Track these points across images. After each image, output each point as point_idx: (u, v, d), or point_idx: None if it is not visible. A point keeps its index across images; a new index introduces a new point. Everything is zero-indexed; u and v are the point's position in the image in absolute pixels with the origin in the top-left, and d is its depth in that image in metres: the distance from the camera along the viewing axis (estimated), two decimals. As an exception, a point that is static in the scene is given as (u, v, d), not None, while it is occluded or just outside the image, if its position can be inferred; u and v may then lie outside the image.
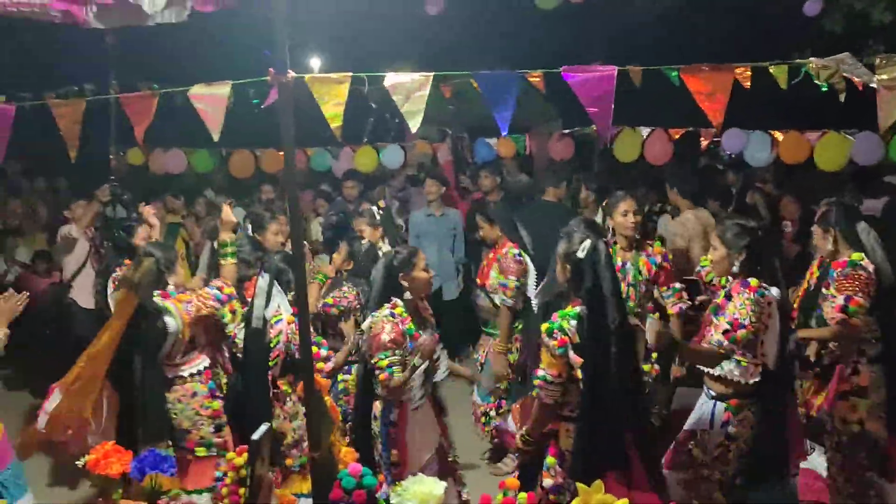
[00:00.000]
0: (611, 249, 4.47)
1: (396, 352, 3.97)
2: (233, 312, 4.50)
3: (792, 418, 3.99)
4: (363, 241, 4.95)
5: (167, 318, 4.32)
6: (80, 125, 4.08)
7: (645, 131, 7.80)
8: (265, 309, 4.30)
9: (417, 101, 3.55)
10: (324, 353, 4.55)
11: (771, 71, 4.60)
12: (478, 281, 5.64)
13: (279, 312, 4.33)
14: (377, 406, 4.12)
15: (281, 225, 5.77)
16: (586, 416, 3.36)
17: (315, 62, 13.95)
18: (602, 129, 3.72)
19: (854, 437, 4.25)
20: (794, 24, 7.95)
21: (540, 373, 3.44)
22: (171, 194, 8.75)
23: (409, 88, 3.54)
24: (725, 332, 3.70)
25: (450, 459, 4.30)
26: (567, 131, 8.32)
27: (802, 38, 8.11)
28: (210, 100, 3.79)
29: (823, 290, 4.31)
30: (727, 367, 3.77)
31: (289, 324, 4.32)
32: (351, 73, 3.52)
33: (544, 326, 3.43)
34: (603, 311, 3.31)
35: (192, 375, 4.49)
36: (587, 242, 3.41)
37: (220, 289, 4.43)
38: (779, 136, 7.39)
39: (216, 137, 3.74)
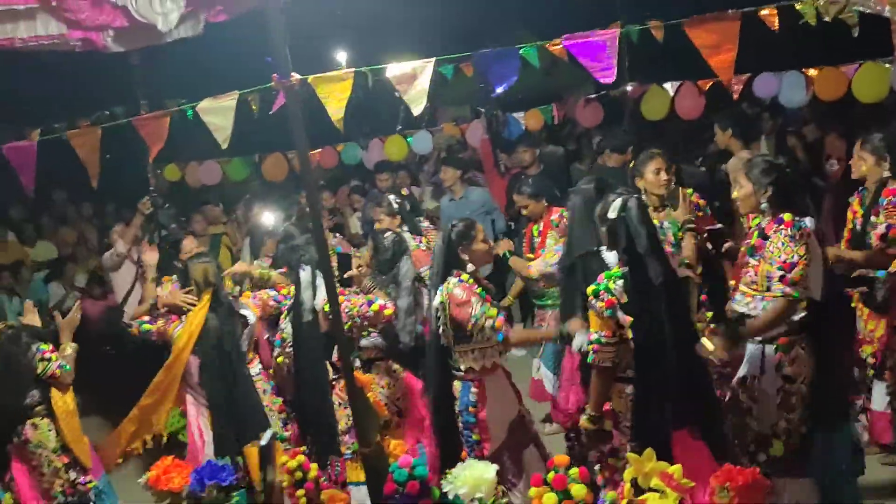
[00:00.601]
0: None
1: (486, 305, 3.92)
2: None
3: (849, 356, 3.90)
4: (387, 235, 4.91)
5: (244, 311, 4.57)
6: (98, 152, 4.18)
7: (673, 88, 7.62)
8: (314, 300, 4.36)
9: (420, 87, 3.54)
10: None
11: (798, 8, 4.47)
12: (530, 256, 5.51)
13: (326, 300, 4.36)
14: (456, 386, 4.05)
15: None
16: (642, 376, 3.38)
17: (341, 55, 13.94)
18: (603, 78, 3.63)
19: None
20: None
21: (593, 336, 3.42)
22: (210, 203, 8.91)
23: (411, 76, 3.53)
24: (782, 279, 3.58)
25: (528, 421, 4.25)
26: (593, 96, 8.17)
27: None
28: (218, 112, 3.83)
29: (872, 218, 4.25)
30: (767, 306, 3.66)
31: (342, 301, 4.34)
32: (353, 69, 3.53)
33: (590, 289, 3.43)
34: (643, 268, 3.32)
35: (256, 374, 4.80)
36: (618, 201, 3.41)
37: (277, 289, 4.80)
38: (813, 73, 7.13)
39: (224, 146, 3.80)
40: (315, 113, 4.06)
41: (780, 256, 3.58)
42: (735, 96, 7.55)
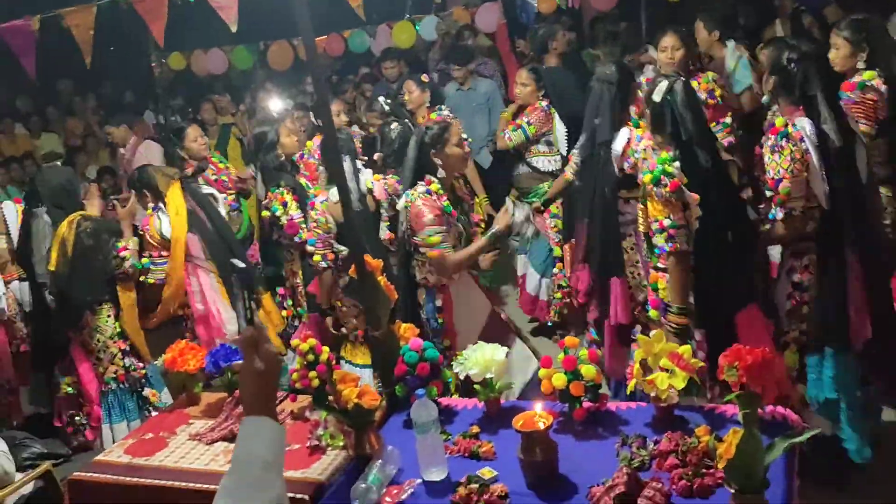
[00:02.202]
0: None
1: (442, 227, 3.83)
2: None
3: (852, 281, 3.46)
4: (392, 126, 4.81)
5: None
6: (93, 32, 4.05)
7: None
8: (359, 187, 4.38)
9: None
10: None
11: None
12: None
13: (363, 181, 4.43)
14: (420, 294, 3.99)
15: (338, 105, 5.89)
16: (702, 259, 3.39)
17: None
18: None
19: None
20: None
21: (666, 222, 3.38)
22: (218, 94, 8.79)
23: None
24: (771, 198, 3.46)
25: (504, 319, 4.20)
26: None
27: None
28: (221, -9, 3.69)
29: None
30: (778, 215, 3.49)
31: (377, 181, 4.42)
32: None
33: (647, 177, 3.38)
34: (692, 151, 3.29)
35: None
36: (663, 83, 3.34)
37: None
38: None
39: (234, 28, 3.67)
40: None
41: (768, 171, 3.44)
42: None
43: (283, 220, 4.98)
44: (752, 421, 2.24)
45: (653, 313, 3.66)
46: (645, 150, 3.61)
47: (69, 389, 4.87)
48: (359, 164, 4.47)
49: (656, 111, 3.37)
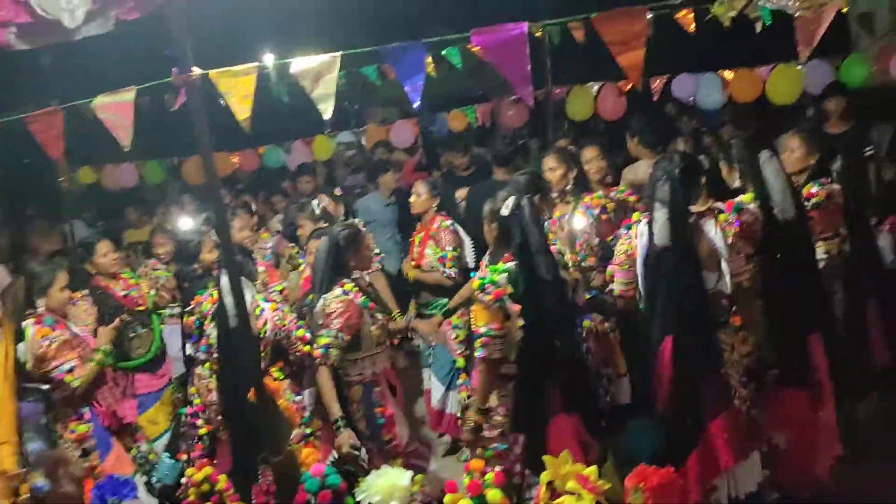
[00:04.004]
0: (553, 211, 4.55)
1: (340, 334, 3.87)
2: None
3: None
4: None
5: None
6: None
7: (596, 87, 7.65)
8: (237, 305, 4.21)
9: (327, 84, 3.41)
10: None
11: (713, 10, 4.51)
12: (412, 263, 5.46)
13: (256, 304, 4.31)
14: (356, 392, 3.97)
15: (244, 221, 5.79)
16: (527, 367, 3.48)
17: (268, 57, 13.68)
18: (521, 92, 3.59)
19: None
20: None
21: (482, 329, 3.47)
22: (131, 207, 8.63)
23: (318, 72, 3.40)
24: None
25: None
26: (516, 97, 8.13)
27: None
28: (116, 108, 3.64)
29: None
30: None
31: (273, 311, 4.31)
32: (256, 64, 3.38)
33: (475, 283, 3.53)
34: (534, 265, 3.44)
35: None
36: (511, 200, 3.49)
37: None
38: (729, 75, 7.26)
39: (126, 146, 3.61)
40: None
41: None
42: (655, 97, 7.66)
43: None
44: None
45: None
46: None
47: None
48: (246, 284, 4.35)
49: (504, 225, 3.54)
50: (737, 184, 4.16)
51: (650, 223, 3.55)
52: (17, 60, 6.53)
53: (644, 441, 3.45)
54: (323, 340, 3.86)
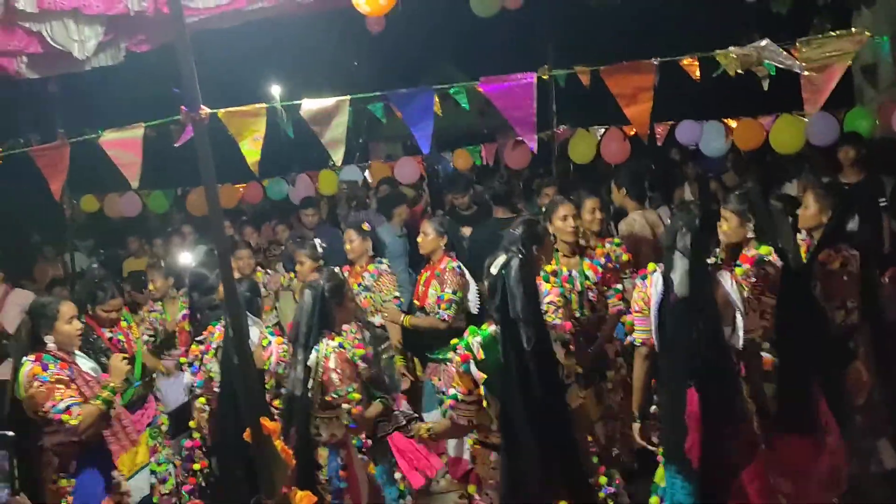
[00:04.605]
0: (551, 259, 4.37)
1: (354, 384, 3.81)
2: None
3: None
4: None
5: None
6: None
7: (600, 131, 7.72)
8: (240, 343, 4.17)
9: (337, 128, 3.41)
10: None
11: (718, 59, 4.54)
12: (416, 304, 5.36)
13: (264, 336, 4.28)
14: (322, 454, 3.88)
15: (245, 256, 5.76)
16: (507, 444, 3.20)
17: (276, 89, 13.80)
18: (526, 137, 3.60)
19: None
20: (740, 7, 7.92)
21: (451, 391, 3.29)
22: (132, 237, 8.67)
23: (328, 114, 3.41)
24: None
25: None
26: (520, 138, 8.20)
27: (749, 21, 8.07)
28: (124, 145, 3.65)
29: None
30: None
31: (279, 345, 4.25)
32: (266, 105, 3.40)
33: (453, 342, 3.32)
34: (513, 331, 3.14)
35: None
36: (501, 258, 3.26)
37: None
38: (733, 123, 7.33)
39: (134, 182, 3.61)
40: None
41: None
42: (659, 143, 7.72)
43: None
44: None
45: None
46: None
47: None
48: (254, 321, 4.34)
49: (491, 284, 3.28)
50: (749, 234, 4.08)
51: (665, 273, 3.56)
52: (24, 87, 6.59)
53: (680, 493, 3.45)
54: (355, 395, 3.82)
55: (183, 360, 5.03)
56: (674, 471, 3.58)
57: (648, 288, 3.69)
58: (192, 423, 4.77)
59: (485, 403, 3.21)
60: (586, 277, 4.68)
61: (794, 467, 3.79)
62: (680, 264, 3.48)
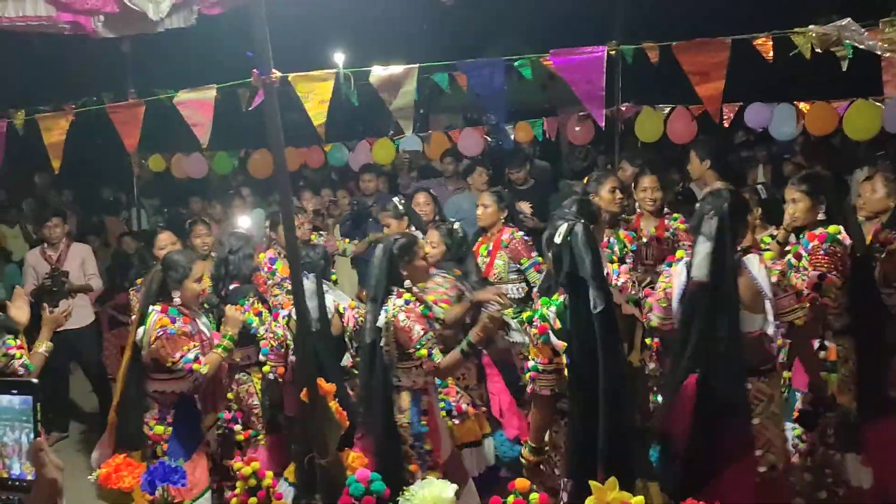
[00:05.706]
0: (603, 237, 4.46)
1: (429, 334, 3.91)
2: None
3: None
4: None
5: None
6: (65, 138, 4.07)
7: (667, 110, 7.57)
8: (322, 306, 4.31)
9: (405, 96, 3.43)
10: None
11: (794, 39, 4.41)
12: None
13: (337, 305, 4.41)
14: (405, 398, 4.00)
15: (304, 219, 5.87)
16: (575, 408, 3.27)
17: (339, 56, 13.84)
18: (594, 113, 3.57)
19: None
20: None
21: (530, 363, 3.37)
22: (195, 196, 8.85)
23: (396, 82, 3.43)
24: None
25: None
26: (585, 113, 8.07)
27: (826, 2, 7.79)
28: (196, 105, 3.73)
29: (792, 260, 4.08)
30: None
31: (352, 309, 4.40)
32: (335, 70, 3.44)
33: (525, 315, 3.43)
34: (583, 295, 3.16)
35: None
36: (564, 226, 3.29)
37: None
38: (805, 107, 7.11)
39: (204, 142, 3.69)
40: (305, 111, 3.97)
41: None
42: (726, 124, 7.54)
43: (262, 331, 4.74)
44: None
45: None
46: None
47: None
48: (326, 285, 4.43)
49: (557, 253, 3.31)
50: (821, 216, 4.03)
51: (689, 259, 3.51)
52: (97, 46, 6.73)
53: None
54: (423, 351, 3.88)
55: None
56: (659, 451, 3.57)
57: (672, 277, 3.64)
58: (229, 395, 4.86)
59: (565, 372, 3.28)
60: (624, 245, 4.82)
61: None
62: (702, 248, 3.43)
